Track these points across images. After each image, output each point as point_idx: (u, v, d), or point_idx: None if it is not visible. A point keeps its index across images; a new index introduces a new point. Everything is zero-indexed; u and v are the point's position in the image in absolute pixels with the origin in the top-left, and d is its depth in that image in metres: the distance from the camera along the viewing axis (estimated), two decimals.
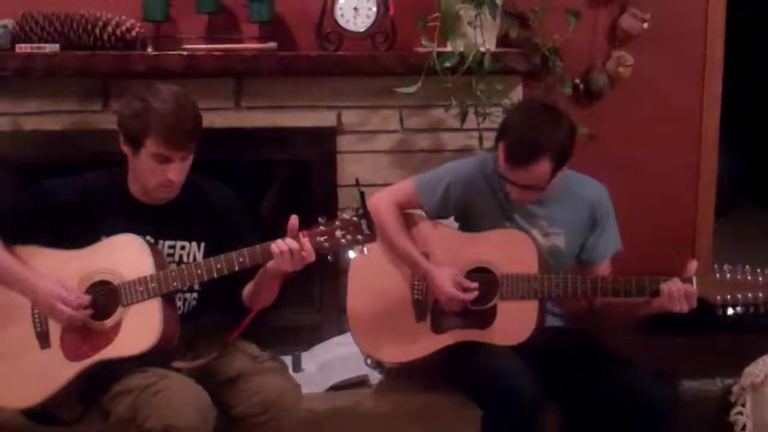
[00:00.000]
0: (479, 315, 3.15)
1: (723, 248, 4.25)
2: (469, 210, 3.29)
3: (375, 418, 3.33)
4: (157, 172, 2.91)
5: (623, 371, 3.05)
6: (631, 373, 3.04)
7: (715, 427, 3.43)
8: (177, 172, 2.92)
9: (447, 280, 3.14)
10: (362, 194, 2.81)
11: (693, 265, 2.98)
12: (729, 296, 2.91)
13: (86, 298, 2.90)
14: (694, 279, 2.94)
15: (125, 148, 2.96)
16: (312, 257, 2.81)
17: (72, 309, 2.87)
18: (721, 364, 3.56)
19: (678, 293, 2.93)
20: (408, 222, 3.30)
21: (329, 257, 2.85)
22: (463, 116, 3.68)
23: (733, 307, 2.91)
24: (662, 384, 3.05)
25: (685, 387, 3.47)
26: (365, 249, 2.83)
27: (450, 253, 3.23)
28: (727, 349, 3.70)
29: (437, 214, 3.33)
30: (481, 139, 3.74)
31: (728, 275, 2.92)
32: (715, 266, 2.96)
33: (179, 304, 3.04)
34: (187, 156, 2.94)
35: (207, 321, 3.16)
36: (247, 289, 3.06)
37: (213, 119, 3.50)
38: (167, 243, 3.05)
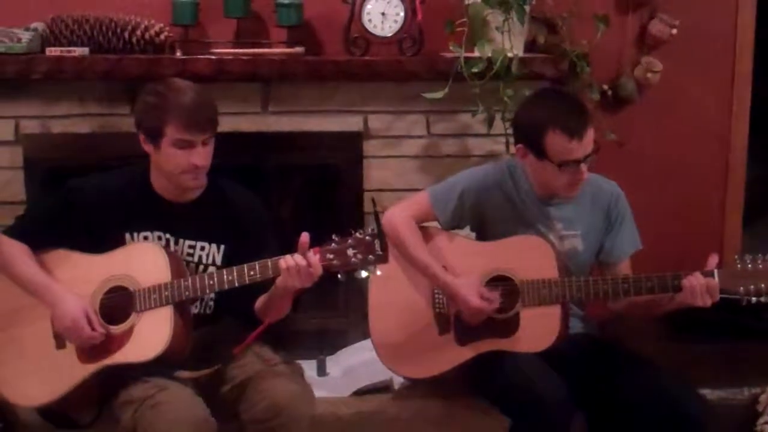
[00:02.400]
0: (503, 323, 3.13)
1: None
2: (484, 217, 3.27)
3: (399, 424, 3.33)
4: (181, 160, 2.93)
5: (655, 377, 3.01)
6: (663, 380, 2.99)
7: None
8: (201, 156, 2.94)
9: (471, 291, 3.11)
10: (377, 214, 2.80)
11: (714, 258, 2.95)
12: (752, 286, 2.87)
13: (100, 333, 2.91)
14: (716, 272, 2.91)
15: (147, 147, 2.98)
16: (319, 272, 2.79)
17: (83, 339, 2.90)
18: (748, 373, 3.53)
19: (700, 288, 2.90)
20: (424, 235, 3.28)
21: (339, 276, 2.82)
22: (490, 122, 3.67)
23: (758, 297, 2.88)
24: (696, 393, 3.01)
25: (711, 395, 3.44)
26: (377, 270, 2.81)
27: (468, 264, 3.20)
28: (754, 357, 3.66)
29: (452, 225, 3.30)
30: (507, 144, 3.73)
31: (750, 265, 2.89)
32: (736, 257, 2.93)
33: (197, 305, 3.07)
34: (208, 140, 2.96)
35: (224, 327, 3.15)
36: (260, 302, 3.05)
37: (240, 123, 3.51)
38: (187, 242, 3.07)
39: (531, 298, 3.09)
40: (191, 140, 2.92)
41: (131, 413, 2.83)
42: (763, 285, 2.87)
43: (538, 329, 3.08)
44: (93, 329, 2.89)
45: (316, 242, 2.84)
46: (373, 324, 3.32)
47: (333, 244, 2.80)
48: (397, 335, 3.28)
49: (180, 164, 2.94)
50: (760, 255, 2.91)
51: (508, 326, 3.12)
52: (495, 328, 3.14)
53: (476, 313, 3.11)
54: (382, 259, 2.79)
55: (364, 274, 2.81)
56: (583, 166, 3.02)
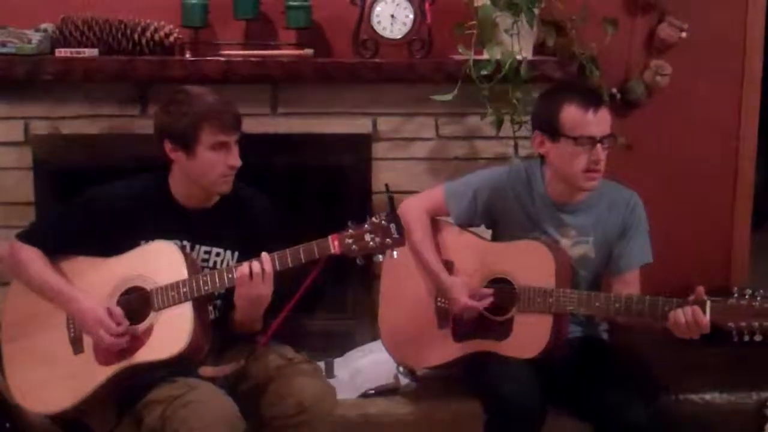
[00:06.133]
0: (497, 326, 3.15)
1: (759, 259, 4.22)
2: (497, 218, 3.30)
3: (406, 426, 3.34)
4: (219, 163, 2.95)
5: (603, 389, 3.02)
6: (608, 392, 3.01)
7: None
8: (236, 156, 2.98)
9: (462, 290, 3.16)
10: (391, 198, 2.83)
11: (700, 290, 2.87)
12: (743, 323, 2.78)
13: (125, 325, 2.90)
14: (708, 304, 2.83)
15: (175, 155, 2.98)
16: (268, 286, 2.85)
17: (112, 337, 2.89)
18: (757, 377, 3.52)
19: (687, 324, 2.84)
20: (434, 229, 3.32)
21: (358, 261, 2.86)
22: (499, 124, 3.67)
23: (750, 335, 2.78)
24: (638, 407, 2.98)
25: (719, 399, 3.44)
26: (395, 253, 2.84)
27: (472, 262, 3.23)
28: (763, 361, 3.65)
29: (464, 222, 3.33)
30: (516, 147, 3.74)
31: (743, 302, 2.79)
32: (735, 289, 2.85)
33: (210, 309, 3.06)
34: (237, 139, 2.99)
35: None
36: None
37: (249, 125, 3.50)
38: (203, 248, 3.07)
39: (526, 304, 3.10)
40: (227, 141, 2.94)
41: (160, 412, 2.81)
42: (756, 324, 2.77)
43: (529, 336, 3.09)
44: (118, 323, 2.89)
45: None
46: (382, 310, 3.38)
47: (350, 230, 2.83)
48: (401, 323, 3.34)
49: (218, 167, 2.95)
50: (759, 292, 2.80)
51: (502, 329, 3.14)
52: (489, 330, 3.16)
53: (465, 311, 3.16)
54: (400, 242, 2.83)
55: (380, 258, 2.85)
56: (600, 148, 3.02)
